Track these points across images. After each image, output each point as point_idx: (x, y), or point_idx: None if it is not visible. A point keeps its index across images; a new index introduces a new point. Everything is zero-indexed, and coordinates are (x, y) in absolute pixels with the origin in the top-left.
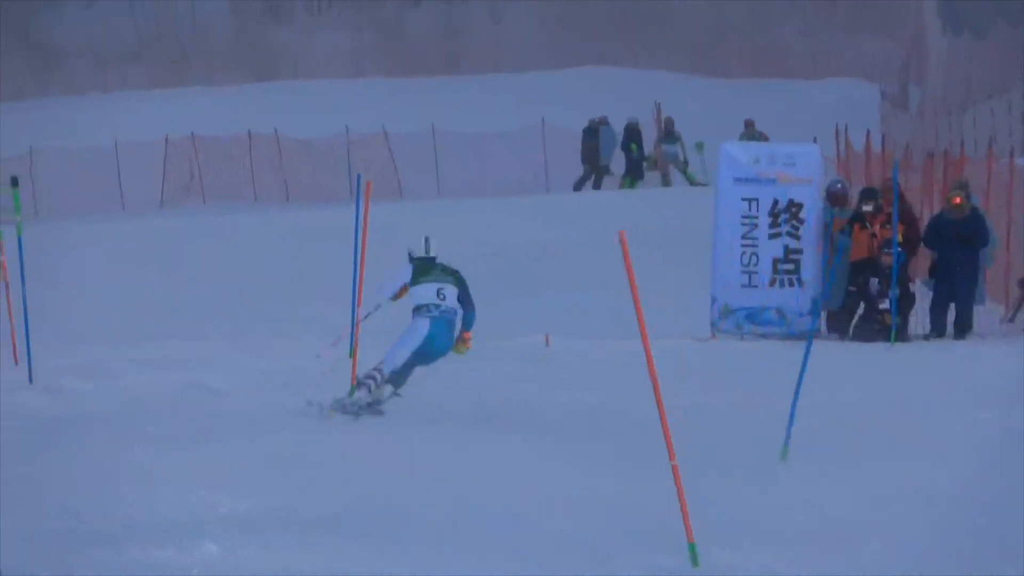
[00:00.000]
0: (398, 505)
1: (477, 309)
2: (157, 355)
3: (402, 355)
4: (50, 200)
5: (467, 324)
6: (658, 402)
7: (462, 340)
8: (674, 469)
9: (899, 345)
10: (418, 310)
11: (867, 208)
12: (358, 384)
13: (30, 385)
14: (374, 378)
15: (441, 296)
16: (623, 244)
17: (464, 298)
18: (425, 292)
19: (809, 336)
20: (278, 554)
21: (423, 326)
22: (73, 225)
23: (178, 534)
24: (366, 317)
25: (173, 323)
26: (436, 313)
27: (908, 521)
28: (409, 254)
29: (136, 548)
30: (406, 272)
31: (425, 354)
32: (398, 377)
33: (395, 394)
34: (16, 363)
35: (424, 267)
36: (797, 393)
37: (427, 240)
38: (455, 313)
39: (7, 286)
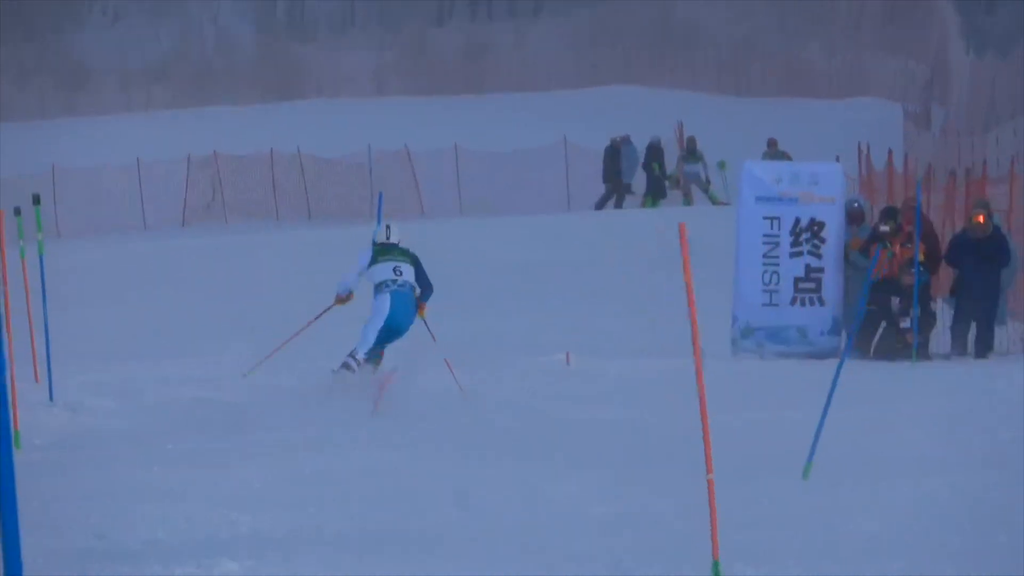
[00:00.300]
0: (421, 523)
1: (499, 323)
2: (178, 372)
3: (373, 333)
4: (72, 218)
5: (424, 298)
6: (703, 413)
7: (420, 309)
8: (709, 484)
9: (920, 363)
10: (378, 287)
11: (884, 229)
12: (336, 373)
13: (51, 402)
14: (349, 365)
15: (398, 272)
16: (682, 236)
17: (420, 277)
18: (383, 270)
19: (842, 358)
20: (300, 573)
21: (384, 302)
22: (94, 243)
23: (199, 552)
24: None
25: (194, 341)
26: (395, 288)
27: (931, 540)
28: (373, 240)
29: (157, 565)
30: (366, 253)
31: (390, 329)
32: (370, 357)
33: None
34: (37, 381)
35: (383, 250)
36: (824, 414)
37: (388, 227)
38: (412, 288)
39: (28, 304)
